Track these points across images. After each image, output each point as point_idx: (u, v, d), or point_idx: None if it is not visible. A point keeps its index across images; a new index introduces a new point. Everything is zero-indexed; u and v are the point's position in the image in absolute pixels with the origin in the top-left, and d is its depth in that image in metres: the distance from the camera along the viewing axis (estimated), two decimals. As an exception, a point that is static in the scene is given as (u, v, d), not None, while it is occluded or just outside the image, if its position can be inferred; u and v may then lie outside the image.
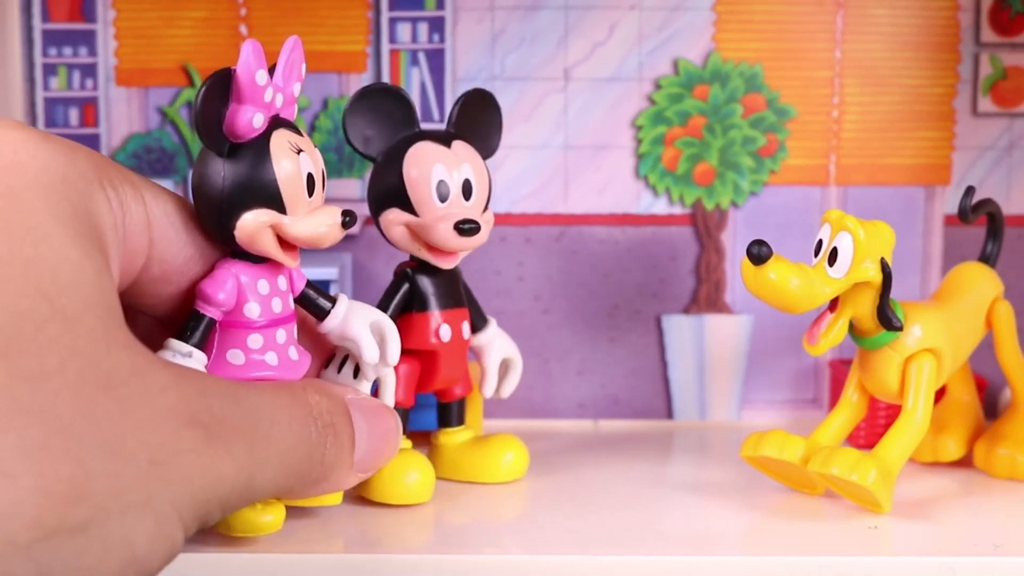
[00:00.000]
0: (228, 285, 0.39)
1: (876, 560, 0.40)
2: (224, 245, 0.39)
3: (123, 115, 0.60)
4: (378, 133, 0.46)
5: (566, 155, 0.60)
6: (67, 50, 0.59)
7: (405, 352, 0.48)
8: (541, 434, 0.56)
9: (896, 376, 0.46)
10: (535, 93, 0.60)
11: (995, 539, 0.42)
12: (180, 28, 0.59)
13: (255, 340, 0.40)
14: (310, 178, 0.39)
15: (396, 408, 0.48)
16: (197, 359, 0.39)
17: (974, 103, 0.60)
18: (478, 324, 0.51)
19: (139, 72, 0.59)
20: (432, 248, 0.46)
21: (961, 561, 0.40)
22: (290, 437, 0.36)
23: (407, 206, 0.46)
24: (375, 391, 0.47)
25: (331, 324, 0.42)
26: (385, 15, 0.60)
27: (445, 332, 0.48)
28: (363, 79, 0.60)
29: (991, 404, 0.59)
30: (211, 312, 0.39)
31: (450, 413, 0.50)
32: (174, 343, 0.39)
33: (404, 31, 0.60)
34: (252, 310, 0.40)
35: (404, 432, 0.48)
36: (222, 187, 0.38)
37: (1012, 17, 0.59)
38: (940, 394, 0.53)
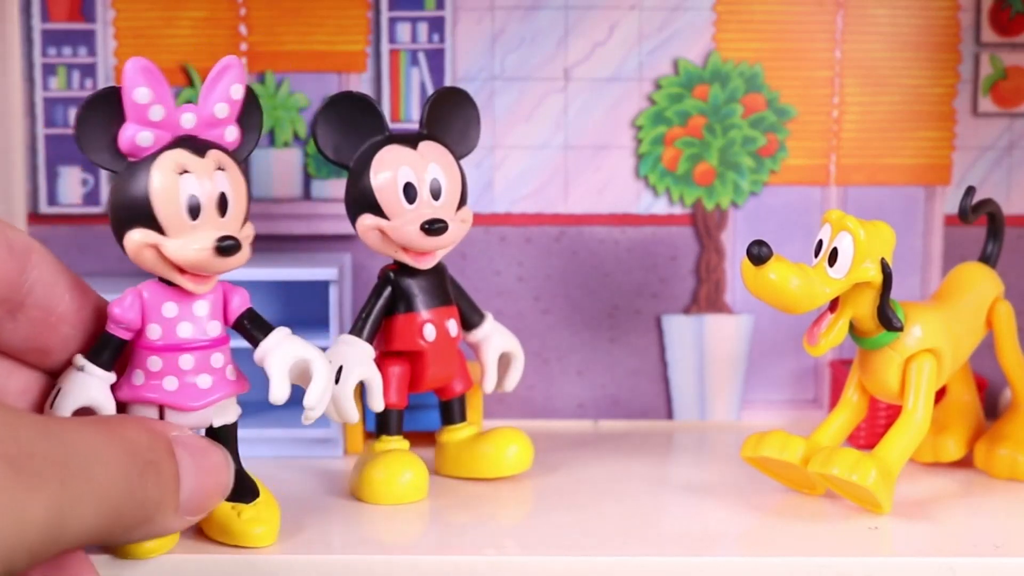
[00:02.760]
0: (127, 302, 0.39)
1: (876, 560, 0.40)
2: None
3: (123, 115, 0.60)
4: (347, 141, 0.47)
5: (566, 155, 0.60)
6: (67, 50, 0.59)
7: (393, 354, 0.48)
8: (541, 434, 0.56)
9: (896, 376, 0.46)
10: (535, 93, 0.60)
11: (995, 539, 0.42)
12: (180, 28, 0.59)
13: (154, 362, 0.40)
14: (193, 200, 0.38)
15: (389, 409, 0.48)
16: (91, 372, 0.39)
17: (974, 103, 0.60)
18: (474, 320, 0.51)
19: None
20: (407, 249, 0.47)
21: (961, 561, 0.40)
22: (108, 474, 0.32)
23: (378, 211, 0.46)
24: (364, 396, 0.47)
25: (257, 356, 0.41)
26: (385, 15, 0.60)
27: (429, 331, 0.48)
28: (363, 79, 0.60)
29: (991, 404, 0.59)
30: (114, 330, 0.39)
31: (452, 410, 0.51)
32: (75, 357, 0.39)
33: (404, 31, 0.60)
34: (153, 331, 0.40)
35: (400, 432, 0.49)
36: (113, 204, 0.38)
37: (1012, 17, 0.59)
38: (940, 394, 0.53)
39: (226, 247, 0.38)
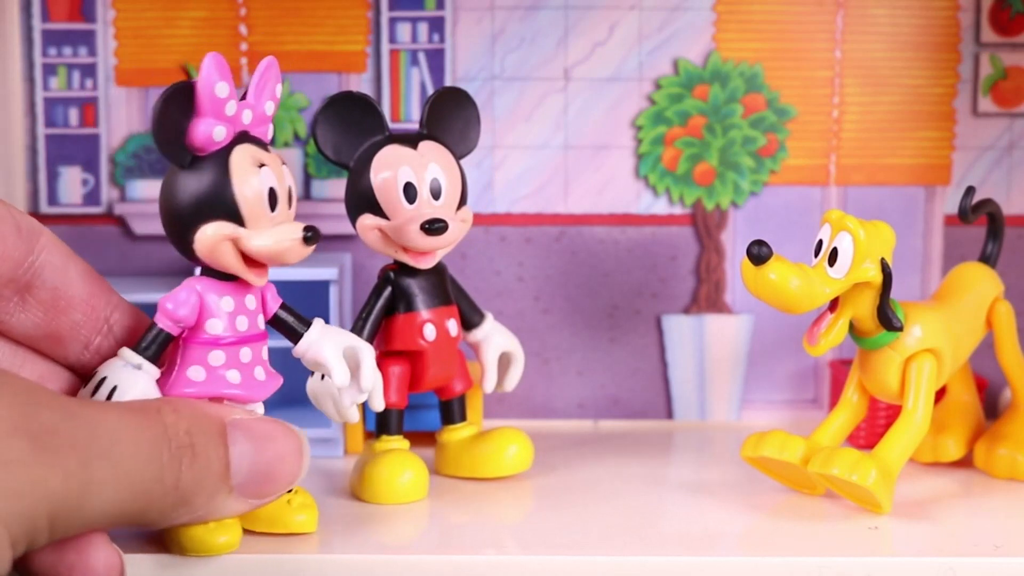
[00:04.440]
0: (182, 297, 0.39)
1: (876, 560, 0.40)
2: (189, 260, 0.40)
3: (123, 115, 0.60)
4: (347, 141, 0.47)
5: (566, 155, 0.60)
6: (67, 50, 0.59)
7: (393, 354, 0.48)
8: (541, 434, 0.56)
9: (896, 376, 0.46)
10: (535, 93, 0.60)
11: (995, 539, 0.42)
12: (180, 28, 0.59)
13: (216, 357, 0.40)
14: (272, 193, 0.39)
15: (389, 409, 0.48)
16: (147, 371, 0.39)
17: (974, 103, 0.60)
18: (474, 320, 0.51)
19: (139, 72, 0.59)
20: (407, 249, 0.47)
21: (961, 561, 0.40)
22: (136, 456, 0.33)
23: (378, 210, 0.46)
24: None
25: (301, 348, 0.41)
26: (385, 15, 0.60)
27: (429, 331, 0.48)
28: (363, 79, 0.60)
29: (991, 404, 0.59)
30: (167, 326, 0.39)
31: (452, 410, 0.51)
32: (126, 352, 0.39)
33: (404, 31, 0.60)
34: (215, 326, 0.40)
35: (400, 432, 0.49)
36: (182, 199, 0.38)
37: (1012, 17, 0.59)
38: (940, 394, 0.53)
39: (312, 236, 0.39)
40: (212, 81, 0.37)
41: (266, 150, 0.39)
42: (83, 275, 0.39)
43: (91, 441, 0.32)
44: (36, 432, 0.31)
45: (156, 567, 0.39)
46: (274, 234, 0.39)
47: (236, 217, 0.38)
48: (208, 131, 0.38)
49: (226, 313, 0.40)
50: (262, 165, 0.39)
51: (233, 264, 0.39)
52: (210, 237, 0.38)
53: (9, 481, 0.29)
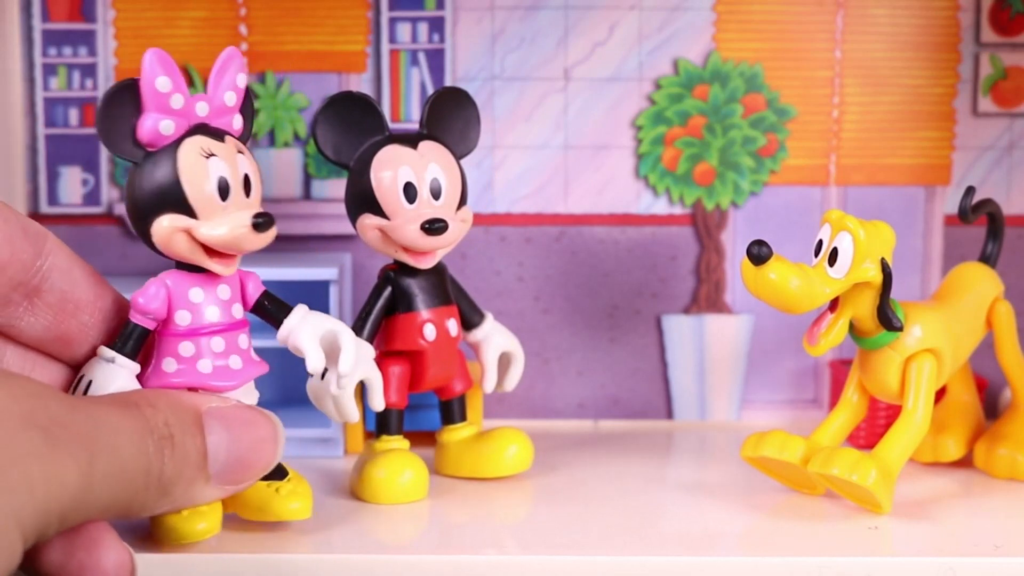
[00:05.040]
0: (151, 292, 0.40)
1: (876, 560, 0.40)
2: (157, 254, 0.40)
3: (123, 115, 0.60)
4: (347, 141, 0.47)
5: (566, 155, 0.60)
6: (67, 50, 0.59)
7: (393, 353, 0.49)
8: (541, 434, 0.56)
9: (896, 376, 0.46)
10: (535, 93, 0.60)
11: (995, 539, 0.42)
12: (180, 28, 0.59)
13: (186, 348, 0.40)
14: (223, 182, 0.39)
15: (389, 409, 0.48)
16: (121, 363, 0.39)
17: (974, 103, 0.60)
18: (474, 320, 0.51)
19: (139, 72, 0.59)
20: (407, 249, 0.47)
21: (961, 561, 0.40)
22: (129, 449, 0.33)
23: (378, 210, 0.46)
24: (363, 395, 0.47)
25: (282, 334, 0.42)
26: (385, 15, 0.60)
27: (429, 331, 0.48)
28: (363, 79, 0.60)
29: (991, 404, 0.59)
30: (140, 320, 0.40)
31: (452, 410, 0.51)
32: (102, 349, 0.40)
33: (404, 31, 0.60)
34: (182, 318, 0.40)
35: (400, 432, 0.49)
36: (137, 194, 0.39)
37: (1012, 17, 0.59)
38: (940, 394, 0.53)
39: (263, 223, 0.39)
40: (153, 76, 0.38)
41: (221, 140, 0.40)
42: (88, 277, 0.40)
43: (96, 434, 0.32)
44: (47, 425, 0.30)
45: (160, 565, 0.40)
46: (226, 223, 0.39)
47: (187, 209, 0.39)
48: (154, 126, 0.38)
49: (194, 304, 0.40)
50: (211, 155, 0.39)
51: (192, 255, 0.39)
52: (165, 229, 0.39)
53: (23, 476, 0.29)
